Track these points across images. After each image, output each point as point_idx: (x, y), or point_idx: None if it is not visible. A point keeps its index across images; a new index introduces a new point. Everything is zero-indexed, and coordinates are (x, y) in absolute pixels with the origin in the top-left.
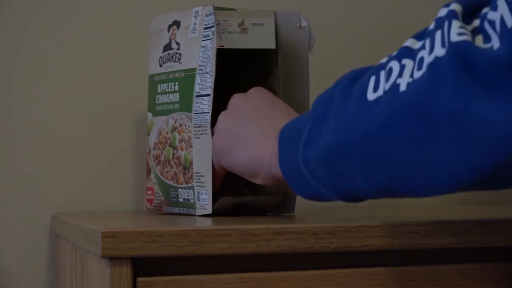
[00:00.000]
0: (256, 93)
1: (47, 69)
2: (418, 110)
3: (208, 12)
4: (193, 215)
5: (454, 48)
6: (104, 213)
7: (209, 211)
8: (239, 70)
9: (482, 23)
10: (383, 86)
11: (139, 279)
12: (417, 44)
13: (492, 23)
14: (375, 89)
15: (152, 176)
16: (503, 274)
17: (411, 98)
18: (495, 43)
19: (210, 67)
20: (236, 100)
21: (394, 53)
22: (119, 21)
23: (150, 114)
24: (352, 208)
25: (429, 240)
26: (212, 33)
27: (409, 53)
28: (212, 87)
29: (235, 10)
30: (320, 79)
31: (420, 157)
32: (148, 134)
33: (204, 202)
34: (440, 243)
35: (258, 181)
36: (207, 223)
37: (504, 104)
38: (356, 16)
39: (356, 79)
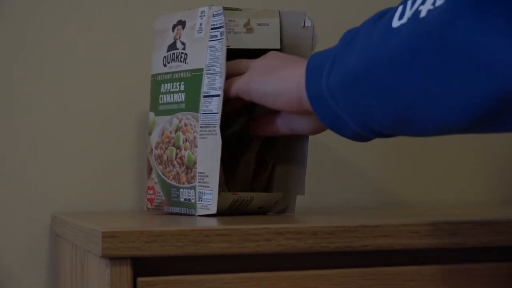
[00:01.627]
0: (275, 53)
1: (47, 69)
2: (433, 36)
3: (215, 13)
4: (193, 215)
5: None
6: (104, 213)
7: (213, 211)
8: None
9: None
10: (408, 14)
11: (139, 279)
12: None
13: None
14: (401, 17)
15: (153, 175)
16: (503, 274)
17: (429, 24)
18: None
19: (219, 67)
20: (258, 61)
21: None
22: (119, 21)
23: (152, 114)
24: (352, 208)
25: (429, 240)
26: (221, 33)
27: None
28: (222, 87)
29: (240, 10)
30: None
31: (435, 85)
32: (150, 134)
33: (208, 202)
34: (440, 243)
35: (282, 103)
36: (207, 223)
37: None
38: (360, 16)
39: (387, 13)
